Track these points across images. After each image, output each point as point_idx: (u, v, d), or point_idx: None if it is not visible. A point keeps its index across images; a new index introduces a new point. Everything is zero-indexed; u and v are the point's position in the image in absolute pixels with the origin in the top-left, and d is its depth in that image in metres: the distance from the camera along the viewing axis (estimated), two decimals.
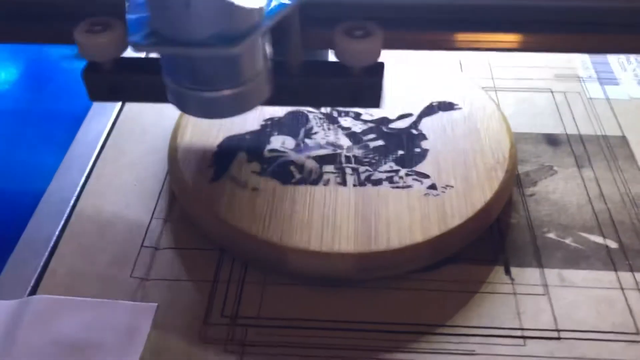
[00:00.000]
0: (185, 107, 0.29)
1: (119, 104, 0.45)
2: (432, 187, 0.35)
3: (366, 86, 0.31)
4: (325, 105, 0.37)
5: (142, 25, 0.25)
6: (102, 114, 0.44)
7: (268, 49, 0.28)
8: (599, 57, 0.49)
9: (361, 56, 0.29)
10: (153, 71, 0.30)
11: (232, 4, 0.24)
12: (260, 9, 0.25)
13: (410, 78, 0.43)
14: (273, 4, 0.26)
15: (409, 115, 0.40)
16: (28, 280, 0.34)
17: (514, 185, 0.38)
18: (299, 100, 0.33)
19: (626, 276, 0.33)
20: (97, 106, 0.45)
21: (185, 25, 0.24)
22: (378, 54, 0.29)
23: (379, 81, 0.30)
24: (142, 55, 0.32)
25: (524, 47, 0.32)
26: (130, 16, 0.25)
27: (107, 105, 0.45)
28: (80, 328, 0.31)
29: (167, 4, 0.24)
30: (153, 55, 0.34)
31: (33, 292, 0.33)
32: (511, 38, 0.32)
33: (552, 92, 0.46)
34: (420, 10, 0.30)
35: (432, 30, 0.31)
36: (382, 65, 0.30)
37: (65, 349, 0.30)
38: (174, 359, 0.30)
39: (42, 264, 0.35)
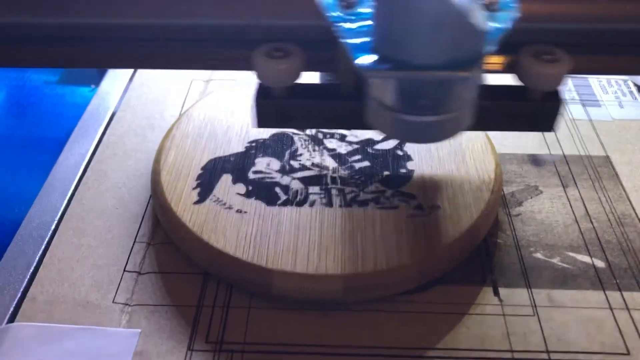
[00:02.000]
0: (390, 130, 0.27)
1: (102, 128, 0.44)
2: (419, 207, 0.35)
3: (545, 110, 0.30)
4: (501, 129, 0.33)
5: (365, 50, 0.24)
6: (85, 139, 0.44)
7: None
8: (580, 80, 0.50)
9: (549, 80, 0.28)
10: (326, 97, 0.30)
11: (477, 28, 0.23)
12: (488, 33, 0.24)
13: None
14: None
15: None
16: (7, 307, 0.33)
17: (499, 205, 0.38)
18: (486, 126, 0.32)
19: (615, 295, 0.33)
20: (79, 131, 0.44)
21: (425, 49, 0.23)
22: (562, 79, 0.29)
23: (559, 105, 0.30)
24: (313, 81, 0.31)
25: (506, 70, 0.32)
26: (349, 41, 0.25)
27: (90, 129, 0.44)
28: (61, 356, 0.30)
29: (413, 26, 0.23)
30: (326, 80, 0.34)
31: (12, 319, 0.32)
32: (494, 60, 0.32)
33: None
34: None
35: None
36: (560, 89, 0.29)
37: None
38: None
39: (21, 290, 0.34)
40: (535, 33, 0.29)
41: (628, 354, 0.30)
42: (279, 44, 0.28)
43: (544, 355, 0.30)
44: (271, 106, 0.30)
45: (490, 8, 0.26)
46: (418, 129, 0.26)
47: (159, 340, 0.31)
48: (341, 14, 0.26)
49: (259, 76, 0.29)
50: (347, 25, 0.25)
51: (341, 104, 0.30)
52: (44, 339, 0.31)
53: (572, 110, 0.47)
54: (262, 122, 0.30)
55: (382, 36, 0.24)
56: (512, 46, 0.28)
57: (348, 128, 0.31)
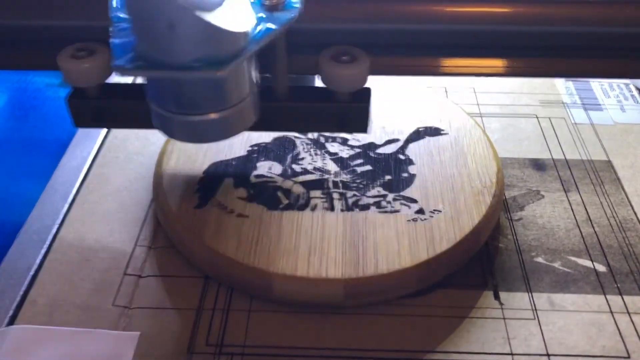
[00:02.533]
0: (170, 131, 0.28)
1: (104, 131, 0.44)
2: (420, 211, 0.35)
3: (353, 111, 0.31)
4: (312, 130, 0.37)
5: (126, 50, 0.25)
6: (87, 142, 0.44)
7: (254, 74, 0.28)
8: (582, 84, 0.50)
9: (348, 81, 0.29)
10: (138, 97, 0.30)
11: (217, 27, 0.24)
12: (246, 33, 0.25)
13: (397, 104, 0.43)
14: (259, 28, 0.26)
15: (395, 140, 0.40)
16: (6, 310, 0.33)
17: (501, 209, 0.38)
18: (286, 126, 0.33)
19: (615, 299, 0.33)
20: (81, 134, 0.44)
21: (170, 49, 0.24)
22: (364, 79, 0.29)
23: (365, 106, 0.30)
24: (128, 80, 0.31)
25: (509, 72, 0.32)
26: (114, 40, 0.25)
27: (92, 132, 0.44)
28: (61, 359, 0.30)
29: (152, 26, 0.24)
30: (139, 80, 0.34)
31: (11, 322, 0.32)
32: (496, 63, 0.32)
33: (537, 117, 0.46)
34: (405, 36, 0.30)
35: (418, 56, 0.31)
36: (368, 90, 0.30)
37: None
38: None
39: (21, 292, 0.34)
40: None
41: (629, 357, 0.30)
42: (83, 43, 0.29)
43: (545, 359, 0.30)
44: (84, 106, 0.30)
45: (270, 7, 0.26)
46: (189, 128, 0.27)
47: (159, 343, 0.31)
48: (120, 15, 0.26)
49: (65, 78, 0.29)
50: (122, 24, 0.25)
51: (145, 103, 0.30)
52: (44, 341, 0.31)
53: (574, 114, 0.47)
54: (78, 122, 0.31)
55: (136, 36, 0.25)
56: (314, 48, 0.29)
57: (148, 127, 0.31)
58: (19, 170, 0.44)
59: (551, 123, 0.46)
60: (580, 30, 0.30)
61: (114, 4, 0.26)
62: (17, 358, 0.30)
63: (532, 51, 0.31)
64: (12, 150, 0.47)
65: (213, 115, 0.27)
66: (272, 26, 0.26)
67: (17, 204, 0.41)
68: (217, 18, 0.23)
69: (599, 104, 0.48)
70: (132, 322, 0.32)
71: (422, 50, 0.31)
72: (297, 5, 0.26)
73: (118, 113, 0.31)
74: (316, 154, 0.39)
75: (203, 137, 0.28)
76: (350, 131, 0.32)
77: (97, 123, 0.32)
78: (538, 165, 0.42)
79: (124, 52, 0.25)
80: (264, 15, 0.26)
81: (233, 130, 0.28)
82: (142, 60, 0.24)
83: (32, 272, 0.35)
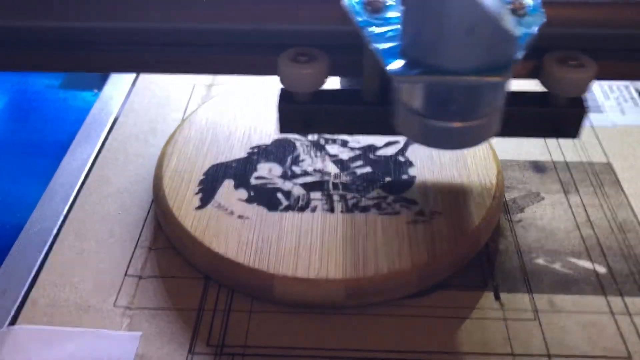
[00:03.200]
0: (429, 140, 0.26)
1: (104, 133, 0.45)
2: (420, 213, 0.35)
3: (570, 117, 0.30)
4: (525, 135, 0.33)
5: (395, 55, 0.24)
6: (87, 144, 0.44)
7: None
8: None
9: (574, 86, 0.28)
10: (349, 102, 0.30)
11: (509, 32, 0.23)
12: (520, 37, 0.24)
13: None
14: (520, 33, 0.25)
15: (395, 142, 0.40)
16: (8, 310, 0.33)
17: (501, 211, 0.38)
18: (509, 132, 0.31)
19: (616, 300, 0.33)
20: (81, 135, 0.45)
21: (455, 54, 0.23)
22: (588, 85, 0.29)
23: (583, 112, 0.30)
24: (337, 86, 0.31)
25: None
26: (378, 46, 0.24)
27: (92, 134, 0.45)
28: (63, 359, 0.30)
29: (446, 31, 0.23)
30: (348, 85, 0.34)
31: (13, 322, 0.32)
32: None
33: None
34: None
35: None
36: (584, 96, 0.29)
37: None
38: None
39: (22, 293, 0.34)
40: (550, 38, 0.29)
41: (630, 358, 0.30)
42: (304, 48, 0.28)
43: (546, 359, 0.30)
44: (294, 111, 0.30)
45: (517, 13, 0.26)
46: (447, 135, 0.25)
47: (160, 344, 0.31)
48: (368, 19, 0.26)
49: (283, 81, 0.28)
50: (375, 29, 0.25)
51: (364, 109, 0.30)
52: (45, 341, 0.31)
53: None
54: (284, 127, 0.30)
55: (411, 41, 0.24)
56: (534, 51, 0.28)
57: (370, 133, 0.30)
58: (19, 171, 0.44)
59: None
60: (579, 32, 0.30)
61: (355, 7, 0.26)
62: (19, 358, 0.30)
63: (531, 53, 0.31)
64: (12, 151, 0.47)
65: (475, 122, 0.25)
66: (528, 30, 0.25)
67: (18, 206, 0.41)
68: (508, 23, 0.23)
69: (599, 106, 0.48)
70: (133, 323, 0.32)
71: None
72: (541, 10, 0.26)
73: (328, 119, 0.30)
74: (316, 156, 0.39)
75: (463, 142, 0.26)
76: (562, 136, 0.31)
77: (305, 128, 0.31)
78: (538, 167, 0.42)
79: (393, 58, 0.24)
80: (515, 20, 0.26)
81: (486, 136, 0.27)
82: (420, 65, 0.24)
83: (33, 273, 0.35)
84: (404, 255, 0.33)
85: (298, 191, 0.37)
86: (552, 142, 0.44)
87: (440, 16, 0.23)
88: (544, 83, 0.29)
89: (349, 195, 0.37)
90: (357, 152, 0.40)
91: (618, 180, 0.41)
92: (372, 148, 0.40)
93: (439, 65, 0.23)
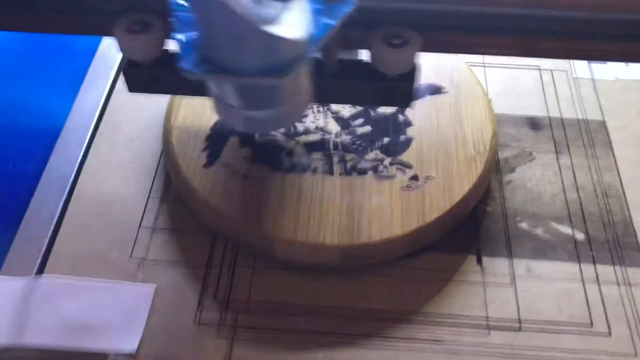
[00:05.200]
0: (228, 121, 0.30)
1: (112, 74, 0.46)
2: (414, 177, 0.37)
3: (400, 90, 0.31)
4: (357, 104, 0.37)
5: (191, 49, 0.25)
6: (97, 83, 0.45)
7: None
8: None
9: (398, 64, 0.30)
10: None
11: (281, 38, 0.24)
12: (306, 38, 0.25)
13: None
14: (317, 24, 0.26)
15: None
16: (34, 259, 0.36)
17: (492, 174, 0.40)
18: (333, 99, 0.33)
19: (588, 268, 0.36)
20: (90, 76, 0.46)
21: (236, 57, 0.25)
22: (413, 61, 0.30)
23: (411, 86, 0.31)
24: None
25: (531, 53, 0.32)
26: (179, 37, 0.25)
27: (101, 75, 0.46)
28: (86, 309, 0.34)
29: (218, 36, 0.24)
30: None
31: (40, 271, 0.36)
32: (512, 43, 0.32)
33: (539, 69, 0.47)
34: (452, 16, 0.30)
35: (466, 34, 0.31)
36: (415, 69, 0.30)
37: (72, 330, 0.33)
38: (169, 341, 0.33)
39: (46, 243, 0.37)
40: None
41: (591, 325, 0.34)
42: (138, 15, 0.29)
43: (516, 324, 0.34)
44: (139, 74, 0.31)
45: None
46: (248, 121, 0.29)
47: (172, 297, 0.35)
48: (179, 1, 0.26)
49: (120, 49, 0.30)
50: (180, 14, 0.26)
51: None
52: (69, 292, 0.35)
53: (577, 66, 0.47)
54: (132, 88, 0.32)
55: (202, 39, 0.25)
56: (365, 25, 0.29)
57: (203, 95, 0.32)
58: (34, 113, 0.46)
59: (552, 77, 0.46)
60: (587, 15, 0.30)
61: None
62: (47, 307, 0.34)
63: (539, 32, 0.31)
64: (28, 84, 0.48)
65: (271, 111, 0.28)
66: (330, 21, 0.26)
67: (35, 150, 0.43)
68: (279, 28, 0.24)
69: None
70: (148, 275, 0.36)
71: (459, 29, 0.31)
72: None
73: (171, 81, 0.32)
74: (319, 112, 0.41)
75: (261, 128, 0.31)
76: (394, 105, 0.33)
77: (150, 89, 0.33)
78: (533, 124, 0.43)
79: (190, 52, 0.25)
80: (322, 7, 0.26)
81: (290, 121, 0.30)
82: (209, 63, 0.25)
83: (54, 223, 0.38)
84: (395, 222, 0.35)
85: (300, 150, 0.39)
86: (550, 96, 0.45)
87: (210, 23, 0.24)
88: (372, 60, 0.30)
89: (348, 157, 0.38)
90: (358, 108, 0.41)
91: (610, 141, 0.42)
92: None
93: (225, 64, 0.25)
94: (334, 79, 0.31)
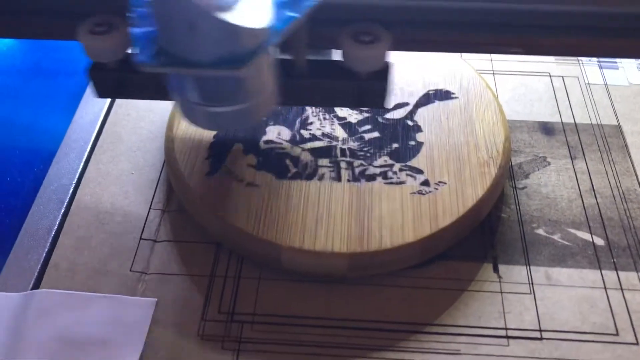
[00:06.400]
0: (192, 119, 0.28)
1: None
2: (425, 183, 0.36)
3: (373, 89, 0.31)
4: (330, 105, 0.37)
5: (148, 42, 0.24)
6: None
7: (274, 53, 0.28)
8: None
9: (368, 62, 0.29)
10: None
11: (237, 26, 0.23)
12: (266, 28, 0.25)
13: (407, 62, 0.43)
14: (281, 17, 0.25)
15: (405, 104, 0.40)
16: (32, 272, 0.35)
17: (506, 179, 0.39)
18: (304, 101, 0.32)
19: (610, 275, 0.34)
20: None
21: (191, 47, 0.24)
22: (384, 59, 0.29)
23: (384, 85, 0.30)
24: None
25: (527, 51, 0.31)
26: (136, 30, 0.25)
27: None
28: (84, 324, 0.32)
29: (172, 26, 0.23)
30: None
31: (37, 284, 0.34)
32: (513, 41, 0.31)
33: (550, 76, 0.46)
34: (425, 12, 0.30)
35: (439, 32, 0.30)
36: (388, 67, 0.30)
37: (70, 345, 0.32)
38: (172, 355, 0.31)
39: (44, 256, 0.36)
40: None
41: (617, 334, 0.32)
42: (102, 17, 0.28)
43: (537, 334, 0.32)
44: (106, 78, 0.30)
45: None
46: (211, 117, 0.27)
47: (174, 310, 0.33)
48: None
49: (86, 52, 0.29)
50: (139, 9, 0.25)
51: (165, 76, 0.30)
52: (67, 306, 0.33)
53: (589, 72, 0.46)
54: (99, 93, 0.31)
55: (159, 30, 0.24)
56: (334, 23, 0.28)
57: (169, 99, 0.31)
58: (33, 123, 0.45)
59: (564, 83, 0.45)
60: (595, 10, 0.29)
61: None
62: (44, 322, 0.32)
63: (547, 30, 0.30)
64: (25, 103, 0.48)
65: (234, 107, 0.27)
66: (294, 14, 0.25)
67: (35, 159, 0.42)
68: (236, 16, 0.23)
69: (615, 62, 0.47)
70: (148, 288, 0.34)
71: (442, 27, 0.30)
72: None
73: (138, 85, 0.31)
74: (325, 119, 0.40)
75: (223, 125, 0.29)
76: (368, 106, 0.32)
77: (118, 94, 0.32)
78: (547, 129, 0.42)
79: (146, 44, 0.24)
80: (286, 0, 0.25)
81: (253, 119, 0.28)
82: (165, 55, 0.24)
83: (52, 235, 0.36)
84: (407, 228, 0.34)
85: (306, 157, 0.37)
86: (563, 101, 0.44)
87: (163, 12, 0.23)
88: (343, 58, 0.29)
89: (355, 163, 0.37)
90: (366, 114, 0.40)
91: (626, 145, 0.41)
92: (381, 110, 0.40)
93: (182, 56, 0.24)
94: (305, 78, 0.30)
